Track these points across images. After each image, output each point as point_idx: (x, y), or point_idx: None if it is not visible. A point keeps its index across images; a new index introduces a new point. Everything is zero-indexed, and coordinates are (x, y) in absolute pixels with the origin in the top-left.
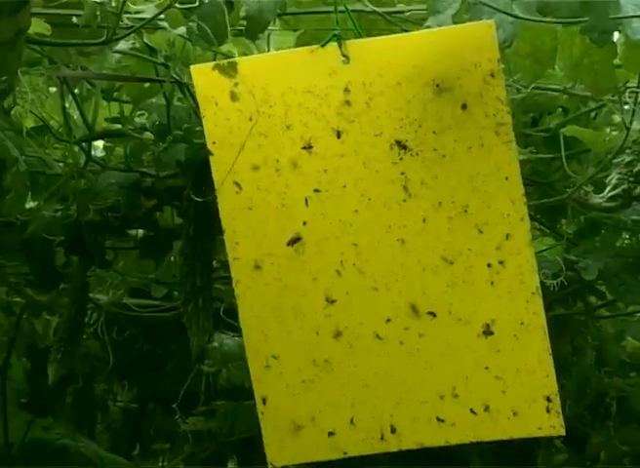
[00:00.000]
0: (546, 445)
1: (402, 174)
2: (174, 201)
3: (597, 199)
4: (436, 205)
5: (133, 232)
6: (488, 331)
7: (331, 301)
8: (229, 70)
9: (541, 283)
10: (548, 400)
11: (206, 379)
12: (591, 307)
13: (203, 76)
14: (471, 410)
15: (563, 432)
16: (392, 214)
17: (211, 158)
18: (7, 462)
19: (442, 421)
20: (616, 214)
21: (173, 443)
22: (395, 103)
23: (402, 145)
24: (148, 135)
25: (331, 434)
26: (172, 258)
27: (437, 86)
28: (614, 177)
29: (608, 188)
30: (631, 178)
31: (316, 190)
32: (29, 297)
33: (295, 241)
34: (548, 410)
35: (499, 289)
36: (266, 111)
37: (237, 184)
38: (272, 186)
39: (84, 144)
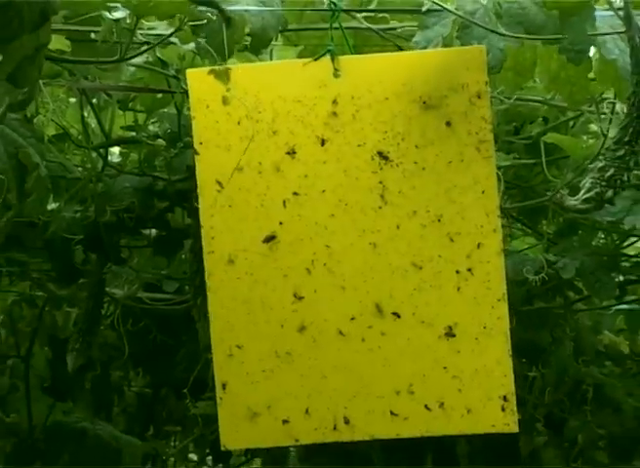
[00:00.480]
0: (528, 428)
1: (380, 182)
2: (184, 203)
3: (572, 201)
4: (411, 213)
5: (146, 232)
6: (450, 334)
7: (299, 297)
8: (223, 76)
9: (524, 279)
10: (505, 399)
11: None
12: (569, 301)
13: (198, 80)
14: (426, 406)
15: (516, 429)
16: (367, 220)
17: (196, 157)
18: (30, 443)
19: (395, 415)
20: (592, 216)
21: (184, 425)
22: (381, 117)
23: (383, 156)
24: (161, 141)
25: (285, 422)
26: (182, 256)
27: (424, 103)
28: (587, 182)
29: (582, 191)
30: (604, 183)
31: (295, 193)
32: (51, 291)
33: (270, 239)
34: (503, 409)
35: (464, 294)
36: (255, 117)
37: (219, 183)
38: (253, 187)
39: (101, 150)
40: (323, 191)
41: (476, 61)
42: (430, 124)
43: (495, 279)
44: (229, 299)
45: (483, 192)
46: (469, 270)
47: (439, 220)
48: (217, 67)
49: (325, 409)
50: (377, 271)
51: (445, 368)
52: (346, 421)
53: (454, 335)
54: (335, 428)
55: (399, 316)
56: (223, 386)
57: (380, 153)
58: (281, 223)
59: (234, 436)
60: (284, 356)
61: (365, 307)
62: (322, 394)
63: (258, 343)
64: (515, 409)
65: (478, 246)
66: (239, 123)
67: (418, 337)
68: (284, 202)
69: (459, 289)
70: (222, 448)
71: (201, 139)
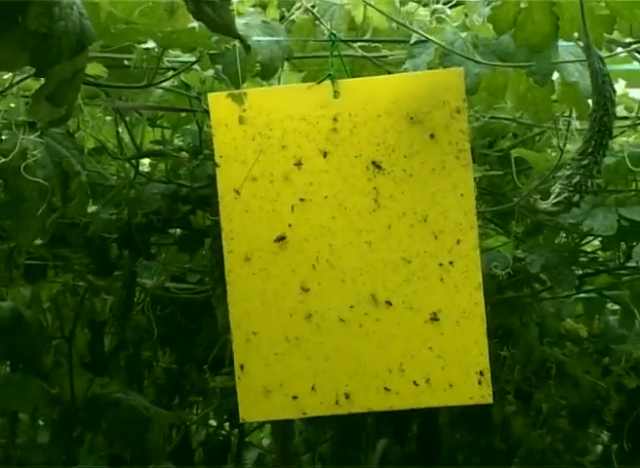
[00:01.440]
0: (500, 400)
1: (374, 188)
2: (204, 206)
3: (544, 204)
4: (401, 215)
5: (172, 231)
6: (434, 318)
7: (305, 290)
8: (240, 98)
9: (494, 273)
10: (481, 374)
11: (230, 347)
12: (536, 292)
13: (218, 102)
14: (414, 382)
15: (491, 400)
16: (363, 221)
17: (217, 169)
18: (73, 412)
19: (388, 390)
20: (555, 218)
21: (205, 396)
22: (374, 131)
23: (377, 165)
24: (184, 154)
25: (295, 397)
26: (203, 252)
27: (411, 119)
28: (557, 187)
29: (552, 196)
30: (571, 188)
31: (302, 199)
32: (90, 282)
33: (280, 239)
34: (480, 383)
35: (447, 284)
36: (267, 133)
37: (237, 192)
38: (266, 195)
39: (133, 161)
40: (325, 197)
41: (455, 82)
42: (416, 136)
43: (472, 270)
44: (246, 292)
45: (462, 195)
46: (451, 263)
47: (425, 220)
48: (234, 91)
49: (328, 387)
50: (372, 266)
51: (430, 348)
52: (347, 396)
53: (438, 320)
54: (337, 402)
55: (391, 304)
56: (242, 367)
57: (373, 163)
58: (290, 225)
59: (251, 410)
60: (293, 341)
61: (362, 297)
62: (326, 373)
63: (270, 330)
64: (490, 382)
65: (458, 242)
66: (253, 139)
67: (407, 322)
68: (292, 207)
69: (442, 279)
70: (241, 421)
71: (221, 154)
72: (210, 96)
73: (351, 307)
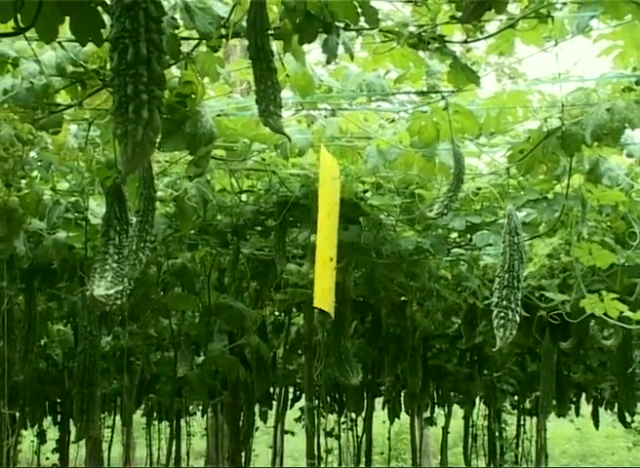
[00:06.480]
0: (410, 305)
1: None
2: (272, 217)
3: (430, 214)
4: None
5: (256, 228)
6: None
7: (330, 259)
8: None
9: (407, 248)
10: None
11: (284, 280)
12: (427, 256)
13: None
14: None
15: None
16: (331, 225)
17: (319, 192)
18: (209, 310)
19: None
20: (436, 221)
21: (272, 302)
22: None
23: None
24: (262, 192)
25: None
26: (271, 237)
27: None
28: (436, 206)
29: (434, 210)
30: (443, 206)
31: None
32: (217, 250)
33: None
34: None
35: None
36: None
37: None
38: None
39: (237, 195)
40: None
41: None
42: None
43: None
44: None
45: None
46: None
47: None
48: (318, 158)
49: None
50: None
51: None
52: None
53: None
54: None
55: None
56: (313, 285)
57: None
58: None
59: (319, 302)
60: (327, 276)
61: (329, 256)
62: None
63: (325, 273)
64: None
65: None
66: (321, 183)
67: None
68: (327, 214)
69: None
70: (314, 306)
71: (322, 184)
72: (321, 152)
73: (331, 259)
